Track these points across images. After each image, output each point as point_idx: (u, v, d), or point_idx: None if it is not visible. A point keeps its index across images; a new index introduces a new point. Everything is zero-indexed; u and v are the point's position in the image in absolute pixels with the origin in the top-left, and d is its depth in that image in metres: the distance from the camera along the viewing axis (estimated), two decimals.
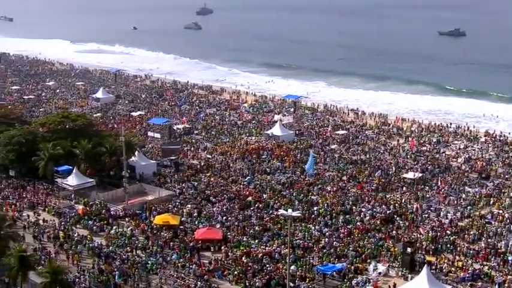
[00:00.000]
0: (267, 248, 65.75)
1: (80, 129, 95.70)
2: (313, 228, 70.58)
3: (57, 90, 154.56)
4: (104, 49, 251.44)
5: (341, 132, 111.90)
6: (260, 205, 77.19)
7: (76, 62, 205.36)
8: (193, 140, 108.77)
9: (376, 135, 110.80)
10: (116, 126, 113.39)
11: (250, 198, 79.51)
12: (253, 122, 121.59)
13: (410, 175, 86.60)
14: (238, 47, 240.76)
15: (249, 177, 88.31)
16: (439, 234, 68.35)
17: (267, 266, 61.81)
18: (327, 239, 67.34)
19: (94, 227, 72.35)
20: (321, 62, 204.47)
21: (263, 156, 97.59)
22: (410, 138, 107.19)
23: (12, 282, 56.88)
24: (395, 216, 73.56)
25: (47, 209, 78.54)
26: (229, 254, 64.86)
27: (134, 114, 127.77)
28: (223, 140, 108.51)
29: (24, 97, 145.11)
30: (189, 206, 77.42)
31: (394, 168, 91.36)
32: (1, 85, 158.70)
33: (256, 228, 70.44)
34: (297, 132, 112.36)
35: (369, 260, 62.91)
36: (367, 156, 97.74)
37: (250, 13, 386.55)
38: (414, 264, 61.45)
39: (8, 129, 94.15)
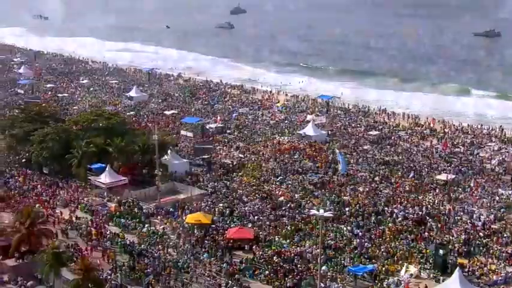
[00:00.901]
0: (298, 248, 65.79)
1: (113, 127, 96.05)
2: (344, 228, 70.49)
3: (91, 89, 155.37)
4: (136, 48, 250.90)
5: (374, 132, 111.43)
6: (292, 205, 77.16)
7: (109, 60, 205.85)
8: (226, 140, 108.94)
9: (409, 136, 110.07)
10: (148, 124, 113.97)
11: (282, 198, 79.55)
12: (286, 121, 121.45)
13: (443, 177, 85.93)
14: (271, 47, 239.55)
15: (281, 176, 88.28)
16: (471, 236, 67.82)
17: (298, 266, 61.86)
18: (358, 240, 67.22)
19: (130, 226, 72.81)
20: (354, 63, 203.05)
21: (295, 156, 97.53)
22: (443, 140, 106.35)
23: (45, 278, 57.42)
24: (428, 217, 73.12)
25: (79, 206, 79.22)
26: (256, 253, 64.98)
27: (167, 113, 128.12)
28: (255, 140, 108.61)
29: (58, 95, 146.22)
30: (221, 205, 77.65)
31: (427, 169, 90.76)
32: (36, 83, 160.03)
33: (288, 228, 70.50)
34: (330, 132, 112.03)
35: (400, 262, 62.67)
36: (400, 157, 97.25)
37: (283, 13, 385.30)
38: (446, 266, 61.10)
39: (42, 127, 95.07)
